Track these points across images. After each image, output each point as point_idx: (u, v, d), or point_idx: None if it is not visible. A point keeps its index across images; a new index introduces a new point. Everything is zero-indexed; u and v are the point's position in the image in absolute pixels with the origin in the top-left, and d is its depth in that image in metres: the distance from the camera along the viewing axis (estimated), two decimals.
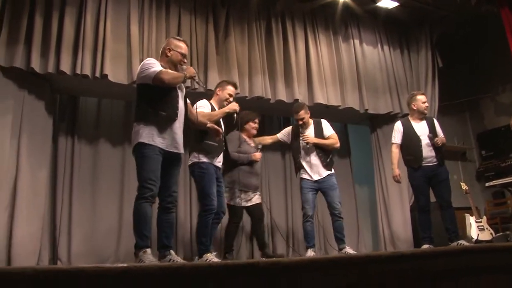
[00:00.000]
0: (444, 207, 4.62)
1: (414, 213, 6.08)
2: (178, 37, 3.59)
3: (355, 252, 4.63)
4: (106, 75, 4.51)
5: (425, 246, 4.55)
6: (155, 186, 3.06)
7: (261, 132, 6.25)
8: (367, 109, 6.01)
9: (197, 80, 3.58)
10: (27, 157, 4.38)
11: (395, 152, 4.80)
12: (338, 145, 4.88)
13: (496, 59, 6.79)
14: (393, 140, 4.86)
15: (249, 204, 4.56)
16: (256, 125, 4.74)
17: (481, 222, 5.41)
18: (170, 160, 3.23)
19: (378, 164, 6.47)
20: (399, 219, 6.10)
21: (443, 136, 4.78)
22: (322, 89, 5.72)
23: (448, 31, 6.74)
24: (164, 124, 3.16)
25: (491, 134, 7.03)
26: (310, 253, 4.56)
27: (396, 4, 6.10)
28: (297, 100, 5.43)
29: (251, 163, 4.56)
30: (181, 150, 3.31)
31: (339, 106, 5.82)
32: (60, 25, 4.51)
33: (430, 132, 4.69)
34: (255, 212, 4.62)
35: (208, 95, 4.78)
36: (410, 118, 4.90)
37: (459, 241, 4.40)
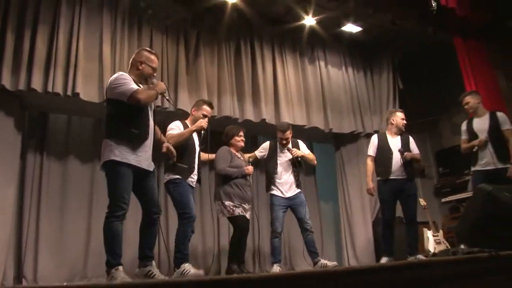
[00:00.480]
0: (409, 223, 4.81)
1: (376, 228, 6.36)
2: (149, 49, 3.54)
3: (334, 263, 4.74)
4: (78, 94, 4.57)
5: (384, 259, 4.75)
6: (127, 204, 3.07)
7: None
8: (331, 129, 6.27)
9: (167, 97, 3.58)
10: None
11: (370, 164, 4.97)
12: (315, 162, 5.16)
13: (453, 82, 7.17)
14: (368, 153, 5.04)
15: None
16: (242, 138, 4.71)
17: (438, 236, 5.70)
18: (143, 176, 3.23)
19: (342, 181, 6.72)
20: (362, 234, 6.34)
21: (418, 152, 4.98)
22: (289, 109, 5.95)
23: (409, 55, 7.10)
24: (136, 142, 3.15)
25: (448, 152, 7.39)
26: (276, 268, 4.65)
27: (359, 29, 6.42)
28: (264, 120, 5.62)
29: (244, 176, 4.57)
30: (152, 168, 3.32)
31: (305, 125, 6.06)
32: (32, 43, 4.55)
33: (402, 147, 4.87)
34: None
35: (177, 114, 4.93)
36: (387, 133, 5.06)
37: (417, 256, 4.63)
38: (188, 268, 3.69)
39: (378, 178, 4.94)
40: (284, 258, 6.32)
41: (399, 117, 5.02)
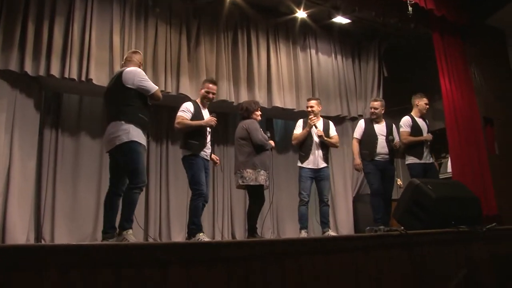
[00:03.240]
0: (385, 201, 5.31)
1: (356, 204, 7.05)
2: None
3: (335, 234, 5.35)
4: (91, 79, 5.15)
5: (381, 227, 4.91)
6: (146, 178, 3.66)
7: (226, 130, 7.04)
8: None
9: None
10: (18, 149, 5.00)
11: (356, 145, 5.45)
12: (338, 145, 5.59)
13: (434, 71, 7.71)
14: (355, 135, 5.51)
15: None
16: (260, 112, 4.96)
17: None
18: None
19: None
20: (343, 209, 7.02)
21: (398, 140, 5.49)
22: (280, 94, 6.53)
23: (394, 45, 7.62)
24: (146, 127, 3.71)
25: None
26: (304, 233, 5.16)
27: (348, 21, 6.92)
28: None
29: (270, 149, 4.89)
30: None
31: (294, 109, 6.64)
32: (50, 33, 5.10)
33: (387, 134, 5.42)
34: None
35: (179, 97, 5.54)
36: (372, 119, 5.56)
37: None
38: (203, 237, 4.05)
39: (363, 160, 5.40)
40: (272, 227, 7.06)
41: (379, 105, 5.52)
